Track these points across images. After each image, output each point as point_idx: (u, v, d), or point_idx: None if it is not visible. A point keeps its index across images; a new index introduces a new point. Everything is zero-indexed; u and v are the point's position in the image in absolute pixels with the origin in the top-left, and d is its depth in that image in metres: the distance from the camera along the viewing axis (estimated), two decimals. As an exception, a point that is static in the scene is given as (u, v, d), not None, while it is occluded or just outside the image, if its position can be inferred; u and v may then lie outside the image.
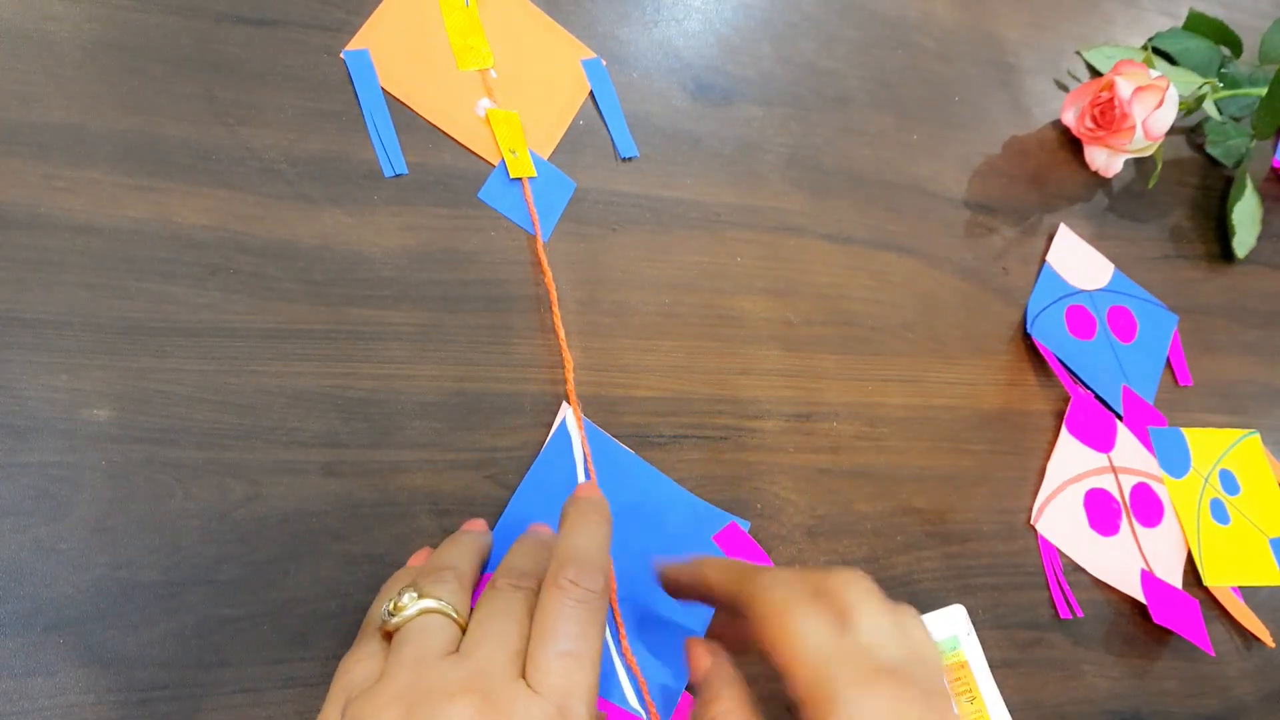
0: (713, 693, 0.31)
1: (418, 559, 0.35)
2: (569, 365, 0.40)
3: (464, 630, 0.30)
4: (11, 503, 0.31)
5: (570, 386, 0.40)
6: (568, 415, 0.40)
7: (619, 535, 0.38)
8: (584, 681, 0.28)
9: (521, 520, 0.37)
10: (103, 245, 0.36)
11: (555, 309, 0.41)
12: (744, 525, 0.41)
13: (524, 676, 0.28)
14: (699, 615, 0.39)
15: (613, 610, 0.37)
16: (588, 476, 0.39)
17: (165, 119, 0.38)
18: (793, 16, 0.55)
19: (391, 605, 0.30)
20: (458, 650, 0.29)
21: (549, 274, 0.41)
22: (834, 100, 0.54)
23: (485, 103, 0.44)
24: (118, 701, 0.30)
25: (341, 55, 0.42)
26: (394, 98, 0.43)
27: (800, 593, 0.30)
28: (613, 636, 0.37)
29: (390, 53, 0.43)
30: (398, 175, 0.41)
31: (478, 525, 0.36)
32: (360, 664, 0.29)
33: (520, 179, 0.43)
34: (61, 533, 0.31)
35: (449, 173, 0.42)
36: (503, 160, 0.43)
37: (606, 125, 0.47)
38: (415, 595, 0.30)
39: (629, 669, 0.36)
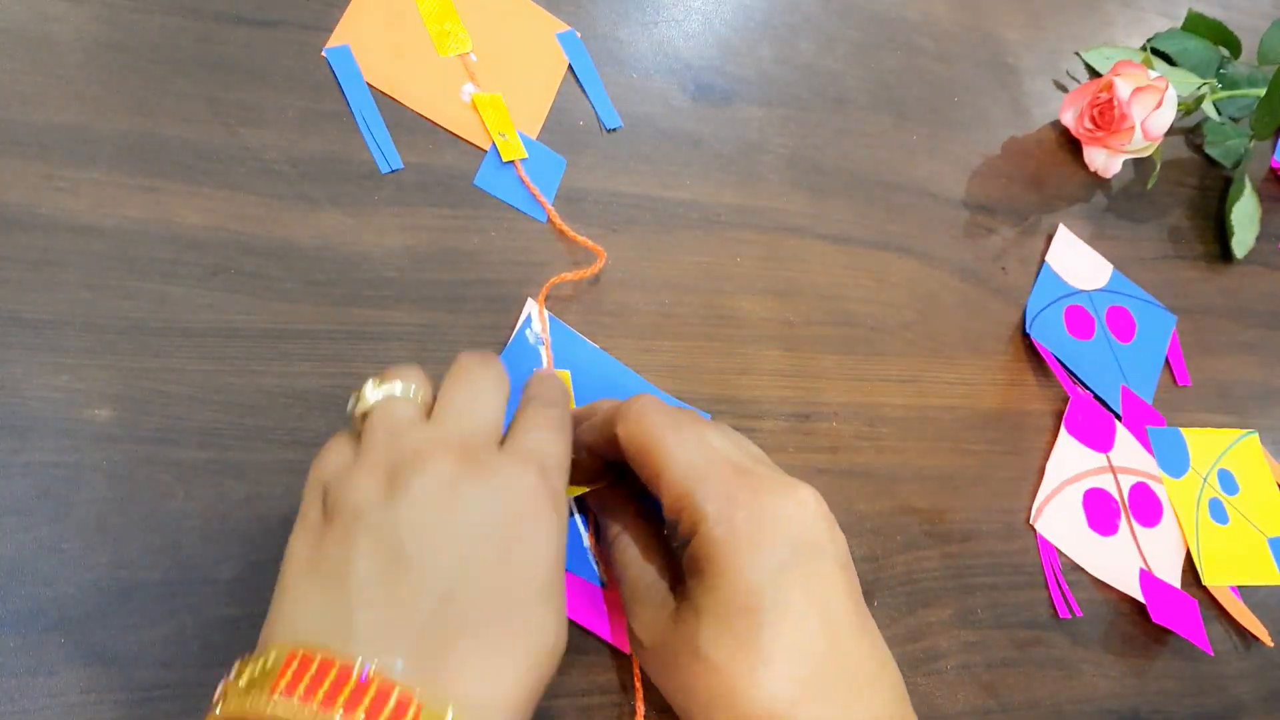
0: (610, 515, 0.34)
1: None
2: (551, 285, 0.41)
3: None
4: (12, 502, 0.31)
5: (545, 291, 0.41)
6: (533, 311, 0.40)
7: None
8: (558, 452, 0.29)
9: None
10: (104, 246, 0.36)
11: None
12: (705, 417, 0.41)
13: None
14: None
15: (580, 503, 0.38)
16: (545, 364, 0.40)
17: (166, 119, 0.38)
18: (792, 17, 0.55)
19: (355, 398, 0.29)
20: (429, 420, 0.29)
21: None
22: (834, 101, 0.54)
23: (469, 88, 0.44)
24: (118, 701, 0.30)
25: (323, 53, 0.42)
26: (380, 92, 0.43)
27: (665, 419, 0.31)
28: (583, 523, 0.37)
29: (371, 46, 0.43)
30: (394, 171, 0.41)
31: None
32: (331, 455, 0.29)
33: (513, 162, 0.44)
34: (62, 532, 0.31)
35: (449, 173, 0.42)
36: (494, 145, 0.44)
37: (588, 96, 0.47)
38: (377, 383, 0.30)
39: (593, 557, 0.37)
